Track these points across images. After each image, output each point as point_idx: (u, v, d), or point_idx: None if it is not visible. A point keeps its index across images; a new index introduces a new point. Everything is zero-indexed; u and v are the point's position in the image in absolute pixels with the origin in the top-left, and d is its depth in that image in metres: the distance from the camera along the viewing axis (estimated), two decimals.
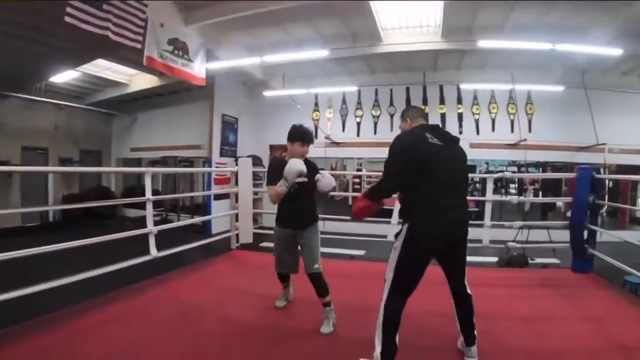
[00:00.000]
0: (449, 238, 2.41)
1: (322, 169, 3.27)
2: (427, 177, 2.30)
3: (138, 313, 3.36)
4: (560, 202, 9.41)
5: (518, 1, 6.12)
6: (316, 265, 3.08)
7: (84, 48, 7.39)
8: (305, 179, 3.03)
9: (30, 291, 2.95)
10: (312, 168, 3.15)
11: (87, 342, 2.78)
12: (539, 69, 8.99)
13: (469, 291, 2.58)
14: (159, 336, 2.92)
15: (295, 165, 2.90)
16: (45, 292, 3.08)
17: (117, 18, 5.11)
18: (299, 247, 3.22)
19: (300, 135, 3.11)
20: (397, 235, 2.41)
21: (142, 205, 4.48)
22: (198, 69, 6.85)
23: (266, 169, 3.15)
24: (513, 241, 5.51)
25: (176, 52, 6.35)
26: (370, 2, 6.29)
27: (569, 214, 5.17)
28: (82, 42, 6.91)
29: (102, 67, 9.62)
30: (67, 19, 4.56)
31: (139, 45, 5.55)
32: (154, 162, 11.21)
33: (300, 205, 3.20)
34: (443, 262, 2.54)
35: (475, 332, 2.57)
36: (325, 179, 3.12)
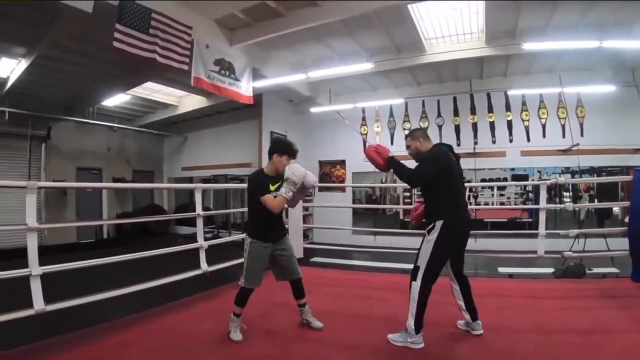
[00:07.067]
0: (468, 229, 3.07)
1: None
2: (450, 184, 2.97)
3: (185, 326, 3.53)
4: (616, 207, 8.90)
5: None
6: (299, 270, 3.33)
7: (132, 72, 7.79)
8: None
9: (85, 301, 3.26)
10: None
11: (131, 354, 2.95)
12: (587, 69, 8.72)
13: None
14: (201, 348, 3.03)
15: (301, 168, 3.02)
16: (98, 303, 3.36)
17: (163, 41, 5.32)
18: (276, 259, 3.25)
19: (290, 150, 3.16)
20: (429, 231, 2.91)
21: (193, 223, 4.69)
22: (245, 87, 7.04)
23: (250, 185, 3.14)
24: (569, 251, 5.23)
25: (223, 72, 6.55)
26: (412, 12, 6.31)
27: (626, 219, 4.84)
28: (131, 66, 7.30)
29: (152, 90, 10.15)
30: (116, 44, 4.79)
31: (185, 67, 5.76)
32: (205, 181, 11.50)
33: (280, 217, 3.27)
34: (455, 250, 3.07)
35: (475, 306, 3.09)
36: (311, 175, 3.15)
